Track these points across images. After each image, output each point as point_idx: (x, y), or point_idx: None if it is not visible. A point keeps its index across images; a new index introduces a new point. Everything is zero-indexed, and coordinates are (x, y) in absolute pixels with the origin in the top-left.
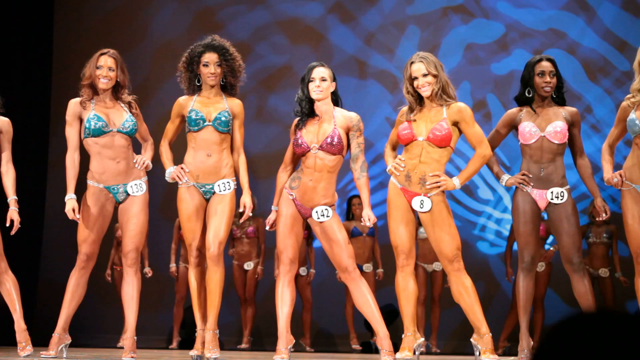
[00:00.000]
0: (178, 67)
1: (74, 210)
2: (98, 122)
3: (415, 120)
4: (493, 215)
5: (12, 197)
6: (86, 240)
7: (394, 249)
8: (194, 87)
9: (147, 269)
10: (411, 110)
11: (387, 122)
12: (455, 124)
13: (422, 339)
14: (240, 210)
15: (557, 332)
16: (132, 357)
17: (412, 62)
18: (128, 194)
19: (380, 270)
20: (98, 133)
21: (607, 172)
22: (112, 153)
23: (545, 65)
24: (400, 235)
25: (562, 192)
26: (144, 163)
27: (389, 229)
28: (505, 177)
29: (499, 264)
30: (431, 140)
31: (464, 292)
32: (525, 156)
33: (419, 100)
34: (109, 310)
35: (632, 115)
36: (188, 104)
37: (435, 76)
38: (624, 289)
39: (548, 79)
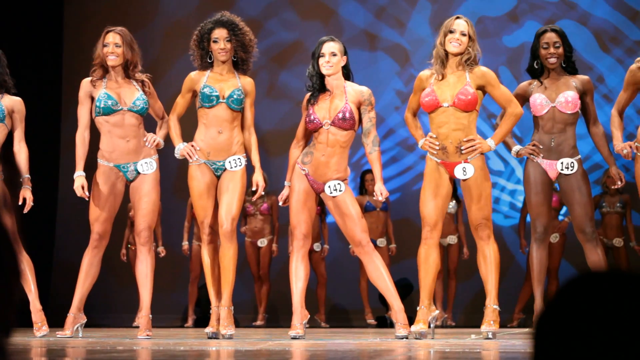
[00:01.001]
0: (190, 45)
1: (82, 188)
2: (108, 100)
3: (443, 78)
4: (506, 187)
5: (25, 176)
6: (98, 219)
7: (421, 219)
8: (206, 64)
9: (160, 248)
10: (442, 63)
11: (398, 97)
12: (480, 87)
13: (437, 312)
14: (253, 188)
15: (566, 291)
16: (147, 336)
17: (457, 17)
18: (138, 173)
19: (393, 246)
20: (108, 111)
21: (618, 139)
22: (122, 132)
23: (549, 36)
24: (429, 206)
25: (572, 162)
26: (154, 141)
27: (420, 199)
28: (516, 148)
29: (513, 236)
30: (457, 105)
31: (482, 261)
32: (537, 127)
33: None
34: (125, 289)
35: None
36: (201, 79)
37: (471, 39)
38: (638, 258)
39: (552, 50)
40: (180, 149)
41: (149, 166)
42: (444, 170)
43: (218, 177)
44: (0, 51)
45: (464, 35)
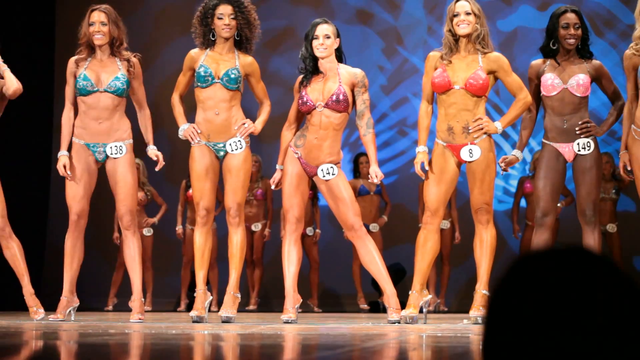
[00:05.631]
0: (192, 22)
1: (65, 167)
2: (84, 81)
3: (450, 63)
4: (499, 171)
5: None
6: (75, 197)
7: (424, 203)
8: (209, 42)
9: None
10: (450, 50)
11: (389, 81)
12: (491, 72)
13: (430, 296)
14: (239, 123)
15: (507, 277)
16: (139, 319)
17: (457, 0)
18: (107, 156)
19: (384, 217)
20: (84, 92)
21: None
22: (95, 113)
23: (570, 17)
24: (431, 192)
25: (588, 142)
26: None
27: (424, 183)
28: (515, 153)
29: (507, 221)
30: (468, 89)
31: (479, 244)
32: (547, 109)
33: (455, 43)
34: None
35: None
36: (199, 57)
37: (477, 17)
38: (631, 245)
39: (572, 31)
40: (184, 129)
41: (117, 150)
42: (451, 155)
43: (220, 158)
44: None
45: (468, 14)
